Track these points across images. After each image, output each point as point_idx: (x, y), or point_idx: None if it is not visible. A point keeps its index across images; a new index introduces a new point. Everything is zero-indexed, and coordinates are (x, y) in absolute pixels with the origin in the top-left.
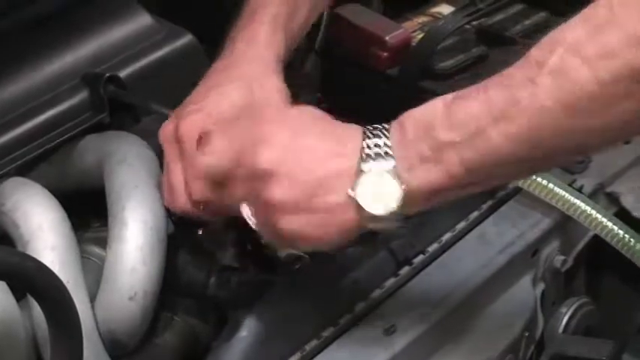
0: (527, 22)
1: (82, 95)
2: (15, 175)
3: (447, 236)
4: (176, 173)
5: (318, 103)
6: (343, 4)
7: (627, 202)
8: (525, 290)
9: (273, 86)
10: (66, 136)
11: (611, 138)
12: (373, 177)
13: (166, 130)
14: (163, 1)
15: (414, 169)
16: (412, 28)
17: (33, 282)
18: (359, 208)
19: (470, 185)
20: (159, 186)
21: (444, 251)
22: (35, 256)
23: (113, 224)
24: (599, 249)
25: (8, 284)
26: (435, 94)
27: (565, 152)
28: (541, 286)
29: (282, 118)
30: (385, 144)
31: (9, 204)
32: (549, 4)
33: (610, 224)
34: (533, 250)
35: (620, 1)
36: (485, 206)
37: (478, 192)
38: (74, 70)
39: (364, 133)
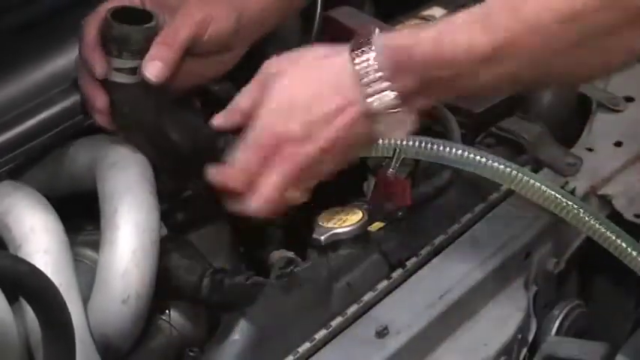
0: None
1: (73, 99)
2: (7, 178)
3: (439, 239)
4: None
5: None
6: (335, 7)
7: (620, 204)
8: (518, 293)
9: None
10: (58, 139)
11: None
12: (384, 117)
13: None
14: None
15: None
16: None
17: (25, 285)
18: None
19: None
20: (151, 189)
21: (436, 254)
22: (27, 259)
23: (105, 227)
24: (592, 251)
25: (1, 287)
26: None
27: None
28: (533, 289)
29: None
30: (380, 77)
31: (1, 207)
32: None
33: (602, 227)
34: (526, 252)
35: None
36: (477, 209)
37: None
38: (65, 74)
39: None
